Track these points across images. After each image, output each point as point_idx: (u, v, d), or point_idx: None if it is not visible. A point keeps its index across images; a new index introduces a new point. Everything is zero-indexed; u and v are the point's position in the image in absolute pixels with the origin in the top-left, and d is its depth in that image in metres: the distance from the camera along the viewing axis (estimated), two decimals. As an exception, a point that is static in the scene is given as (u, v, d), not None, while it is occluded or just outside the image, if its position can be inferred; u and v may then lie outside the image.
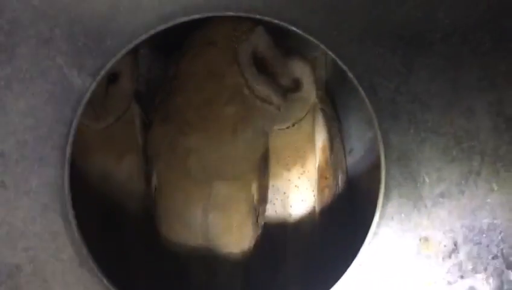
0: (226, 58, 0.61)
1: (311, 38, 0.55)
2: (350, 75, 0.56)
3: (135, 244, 0.71)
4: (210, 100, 0.61)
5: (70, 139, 0.50)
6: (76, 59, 0.50)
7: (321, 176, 0.78)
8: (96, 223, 0.63)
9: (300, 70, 0.75)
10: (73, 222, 0.50)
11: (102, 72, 0.50)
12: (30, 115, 0.50)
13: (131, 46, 0.50)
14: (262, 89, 0.62)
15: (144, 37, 0.50)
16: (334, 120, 0.81)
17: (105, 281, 0.50)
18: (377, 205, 0.57)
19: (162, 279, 0.71)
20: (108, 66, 0.50)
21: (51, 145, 0.50)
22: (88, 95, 0.49)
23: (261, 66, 0.64)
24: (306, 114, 0.76)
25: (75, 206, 0.50)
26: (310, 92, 0.76)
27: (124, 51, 0.50)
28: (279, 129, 0.76)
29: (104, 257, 0.52)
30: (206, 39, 0.62)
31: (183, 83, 0.62)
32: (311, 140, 0.77)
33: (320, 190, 0.79)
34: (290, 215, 0.80)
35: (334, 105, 0.84)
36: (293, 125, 0.76)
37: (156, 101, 0.70)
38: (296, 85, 0.76)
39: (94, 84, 0.50)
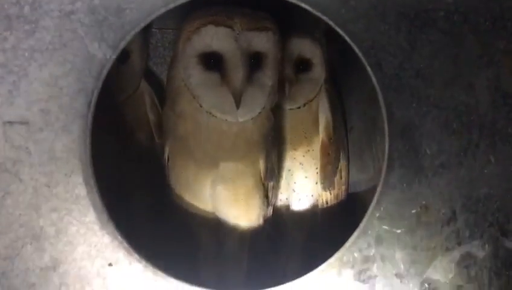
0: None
1: (319, 15, 0.57)
2: (357, 51, 0.58)
3: (150, 212, 0.73)
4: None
5: (92, 108, 0.52)
6: (97, 31, 0.52)
7: (323, 153, 0.80)
8: (116, 189, 0.66)
9: (311, 50, 0.77)
10: (95, 187, 0.52)
11: (122, 45, 0.52)
12: (53, 84, 0.52)
13: (150, 19, 0.52)
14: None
15: (162, 10, 0.52)
16: (336, 99, 0.83)
17: (125, 243, 0.53)
18: (381, 175, 0.59)
19: (175, 245, 0.73)
20: (128, 38, 0.52)
21: (73, 114, 0.52)
22: (109, 66, 0.51)
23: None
24: (316, 95, 0.78)
25: (96, 172, 0.52)
26: (320, 72, 0.78)
27: (142, 25, 0.52)
28: (290, 109, 0.78)
29: (123, 220, 0.54)
30: (204, 19, 0.61)
31: (174, 68, 0.63)
32: (318, 120, 0.79)
33: (323, 166, 0.81)
34: (294, 191, 0.82)
35: (336, 84, 0.86)
36: (304, 105, 0.78)
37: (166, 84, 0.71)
38: (307, 65, 0.77)
39: (114, 56, 0.52)
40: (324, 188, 0.82)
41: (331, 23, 0.57)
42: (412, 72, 0.59)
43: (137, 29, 0.52)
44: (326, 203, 0.83)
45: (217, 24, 0.57)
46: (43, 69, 0.52)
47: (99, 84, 0.51)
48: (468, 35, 0.60)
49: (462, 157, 0.60)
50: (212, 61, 0.59)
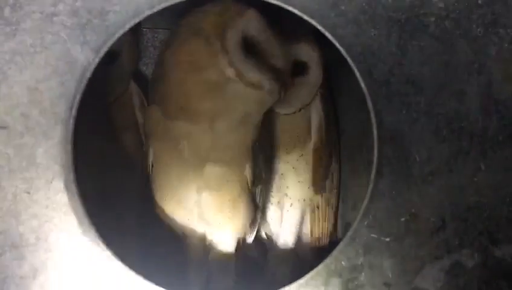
0: (209, 48, 0.59)
1: (309, 19, 0.56)
2: (346, 56, 0.57)
3: (133, 219, 0.72)
4: (188, 94, 0.60)
5: (74, 113, 0.50)
6: (79, 34, 0.51)
7: (315, 156, 0.80)
8: (97, 196, 0.65)
9: (308, 54, 0.75)
10: (77, 194, 0.51)
11: (105, 48, 0.50)
12: (34, 88, 0.51)
13: (134, 22, 0.51)
14: (254, 75, 0.61)
15: (147, 13, 0.51)
16: (330, 102, 0.82)
17: (108, 251, 0.52)
18: (370, 182, 0.58)
19: (159, 253, 0.72)
20: (111, 42, 0.51)
21: (54, 119, 0.51)
22: (91, 70, 0.50)
23: (253, 51, 0.63)
24: (312, 99, 0.77)
25: (79, 178, 0.51)
26: (316, 76, 0.77)
27: (127, 27, 0.50)
28: (285, 114, 0.77)
29: (106, 228, 0.53)
30: (193, 26, 0.61)
31: (166, 72, 0.62)
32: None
33: (315, 169, 0.80)
34: (286, 195, 0.81)
35: (329, 87, 0.85)
36: (299, 110, 0.77)
37: (150, 83, 0.70)
38: (303, 69, 0.76)
39: (97, 60, 0.50)
40: (316, 192, 0.81)
41: (319, 27, 0.56)
42: (402, 78, 0.58)
43: (121, 31, 0.51)
44: (317, 207, 0.83)
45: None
46: (24, 73, 0.50)
47: (82, 88, 0.50)
48: (460, 41, 0.59)
49: (452, 164, 0.59)
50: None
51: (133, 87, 0.80)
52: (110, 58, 0.72)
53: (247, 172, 0.68)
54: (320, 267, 0.58)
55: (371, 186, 0.58)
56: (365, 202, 0.58)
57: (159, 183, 0.68)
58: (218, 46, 0.59)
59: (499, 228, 0.60)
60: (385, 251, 0.59)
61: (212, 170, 0.64)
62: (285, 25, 0.68)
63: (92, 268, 0.53)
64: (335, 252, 0.58)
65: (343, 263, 0.58)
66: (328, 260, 0.58)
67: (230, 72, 0.59)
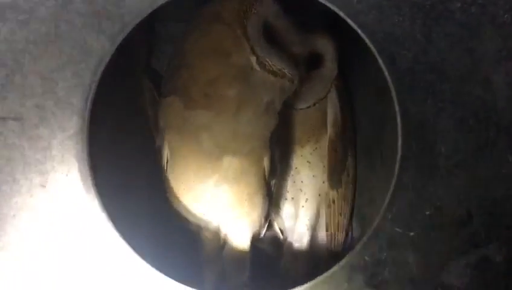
0: (233, 34, 0.60)
1: (329, 5, 0.54)
2: (369, 43, 0.55)
3: (149, 213, 0.71)
4: (214, 80, 0.60)
5: (89, 104, 0.49)
6: (95, 22, 0.49)
7: (331, 150, 0.78)
8: (115, 189, 0.63)
9: (323, 47, 0.74)
10: (93, 187, 0.49)
11: (121, 36, 0.49)
12: (49, 78, 0.49)
13: (150, 10, 0.49)
14: (274, 63, 0.62)
15: (162, 1, 0.49)
16: (346, 94, 0.81)
17: (125, 243, 0.51)
18: (393, 175, 0.57)
19: (172, 248, 0.71)
20: (127, 30, 0.49)
21: (70, 110, 0.49)
22: (107, 59, 0.49)
23: (272, 38, 0.64)
24: (327, 93, 0.76)
25: (94, 171, 0.50)
26: (331, 69, 0.75)
27: (144, 15, 0.49)
28: (299, 109, 0.76)
29: (123, 220, 0.52)
30: (213, 15, 0.61)
31: (189, 60, 0.62)
32: (327, 116, 0.77)
33: (330, 163, 0.79)
34: (301, 190, 0.80)
35: (345, 79, 0.84)
36: (314, 104, 0.76)
37: (165, 74, 0.69)
38: (319, 62, 0.75)
39: (113, 49, 0.49)
40: (331, 187, 0.80)
41: (341, 14, 0.55)
42: (426, 66, 0.57)
43: (138, 20, 0.49)
44: (333, 202, 0.81)
45: None
46: (38, 62, 0.49)
47: (97, 78, 0.49)
48: (487, 28, 0.57)
49: (478, 156, 0.57)
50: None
51: (145, 81, 0.78)
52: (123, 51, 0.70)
53: (265, 165, 0.67)
54: (343, 262, 0.56)
55: (394, 178, 0.57)
56: (388, 195, 0.57)
57: (175, 178, 0.67)
58: (240, 34, 0.59)
59: (527, 221, 0.58)
60: (409, 245, 0.57)
61: (231, 162, 0.64)
62: (301, 17, 0.68)
63: (110, 262, 0.51)
64: (358, 247, 0.56)
65: (366, 258, 0.56)
66: (350, 255, 0.56)
67: (252, 59, 0.60)
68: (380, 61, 0.55)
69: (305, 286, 0.56)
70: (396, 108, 0.56)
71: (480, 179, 0.58)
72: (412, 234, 0.57)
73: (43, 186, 0.49)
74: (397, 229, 0.57)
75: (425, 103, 0.57)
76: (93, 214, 0.51)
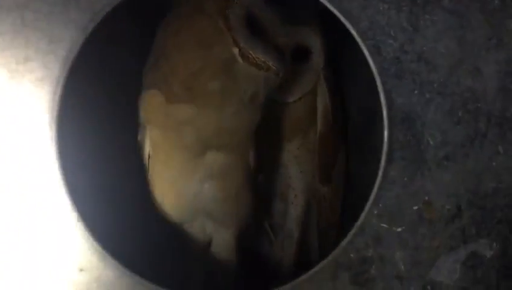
0: (214, 25, 0.58)
1: (312, -7, 0.52)
2: (353, 32, 0.53)
3: (130, 213, 0.69)
4: (195, 73, 0.58)
5: (58, 97, 0.47)
6: (63, 11, 0.47)
7: (321, 144, 0.76)
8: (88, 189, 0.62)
9: (310, 39, 0.72)
10: (64, 189, 0.47)
11: (91, 26, 0.47)
12: (14, 70, 0.47)
13: (122, -2, 0.47)
14: (258, 54, 0.59)
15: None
16: (335, 86, 0.79)
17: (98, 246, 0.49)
18: (379, 169, 0.55)
19: (156, 247, 0.69)
20: (97, 19, 0.47)
21: (38, 104, 0.47)
22: (76, 50, 0.47)
23: (257, 29, 0.62)
24: (314, 86, 0.74)
25: (66, 170, 0.47)
26: (318, 62, 0.73)
27: (116, 3, 0.47)
28: (285, 103, 0.74)
29: (96, 222, 0.50)
30: (193, 5, 0.59)
31: (170, 52, 0.60)
32: (314, 111, 0.75)
33: (321, 158, 0.77)
34: (289, 186, 0.78)
35: (335, 70, 0.82)
36: (300, 99, 0.74)
37: (145, 67, 0.67)
38: (305, 55, 0.73)
39: (83, 38, 0.47)
40: (322, 182, 0.78)
41: (324, 1, 0.52)
42: (413, 55, 0.55)
43: (109, 8, 0.47)
44: (324, 198, 0.79)
45: None
46: (4, 53, 0.47)
47: (66, 70, 0.46)
48: (476, 15, 0.55)
49: (468, 148, 0.56)
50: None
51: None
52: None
53: (251, 159, 0.66)
54: (327, 260, 0.54)
55: (380, 172, 0.55)
56: (374, 189, 0.55)
57: (158, 174, 0.65)
58: (222, 25, 0.57)
59: (519, 215, 0.56)
60: (397, 241, 0.55)
61: (216, 158, 0.62)
62: (289, 8, 0.66)
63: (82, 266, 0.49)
64: (343, 244, 0.54)
65: (352, 255, 0.55)
66: (335, 253, 0.54)
67: (235, 51, 0.57)
68: (365, 50, 0.54)
69: (290, 284, 0.55)
70: (382, 99, 0.54)
71: (470, 172, 0.56)
72: (399, 230, 0.55)
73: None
74: (384, 225, 0.55)
75: (412, 94, 0.55)
76: (65, 214, 0.49)
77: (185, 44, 0.59)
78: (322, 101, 0.75)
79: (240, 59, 0.58)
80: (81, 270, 0.49)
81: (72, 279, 0.49)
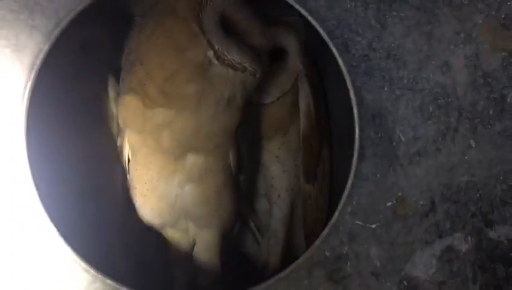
0: (188, 28, 0.57)
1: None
2: (321, 31, 0.53)
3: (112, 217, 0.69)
4: (171, 77, 0.57)
5: (25, 103, 0.47)
6: (28, 18, 0.47)
7: (305, 143, 0.76)
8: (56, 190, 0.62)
9: (286, 39, 0.72)
10: (34, 192, 0.47)
11: (56, 32, 0.47)
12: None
13: (85, 3, 0.47)
14: (233, 56, 0.59)
15: (98, -6, 0.47)
16: (317, 84, 0.79)
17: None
18: (351, 166, 0.55)
19: (139, 250, 0.69)
20: (62, 25, 0.47)
21: (4, 110, 0.47)
22: (42, 56, 0.47)
23: (231, 30, 0.61)
24: (291, 87, 0.73)
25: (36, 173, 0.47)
26: (294, 62, 0.73)
27: (78, 9, 0.47)
28: (265, 103, 0.73)
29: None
30: (166, 8, 0.59)
31: (145, 56, 0.59)
32: (294, 110, 0.75)
33: (305, 157, 0.77)
34: (272, 186, 0.78)
35: (317, 69, 0.82)
36: (278, 99, 0.74)
37: (122, 72, 0.67)
38: (281, 55, 0.72)
39: (48, 45, 0.47)
40: (307, 181, 0.78)
41: (291, 1, 0.53)
42: (382, 52, 0.55)
43: (73, 14, 0.47)
44: (310, 196, 0.79)
45: None
46: (-31, 62, 0.47)
47: (32, 76, 0.46)
48: (444, 10, 0.55)
49: (440, 143, 0.56)
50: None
51: (110, 79, 0.76)
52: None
53: (231, 160, 0.65)
54: (302, 258, 0.54)
55: (352, 170, 0.55)
56: (347, 187, 0.55)
57: (138, 178, 0.65)
58: (196, 27, 0.57)
59: (492, 208, 0.57)
60: (371, 238, 0.56)
61: (195, 161, 0.62)
62: (267, 9, 0.66)
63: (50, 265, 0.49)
64: (317, 242, 0.55)
65: (326, 253, 0.55)
66: (310, 251, 0.54)
67: (210, 54, 0.57)
68: (333, 48, 0.54)
69: (266, 283, 0.55)
70: (352, 96, 0.54)
71: (443, 166, 0.56)
72: (373, 226, 0.56)
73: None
74: (358, 222, 0.55)
75: (382, 91, 0.55)
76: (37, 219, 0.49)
77: (160, 48, 0.58)
78: (304, 100, 0.75)
79: (215, 61, 0.58)
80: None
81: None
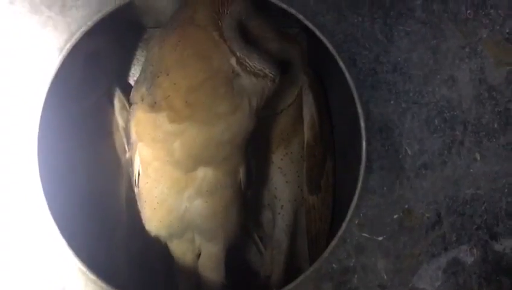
0: (210, 37, 0.57)
1: (286, 7, 0.53)
2: (329, 45, 0.54)
3: (118, 228, 0.69)
4: (198, 87, 0.57)
5: (39, 116, 0.47)
6: (41, 33, 0.47)
7: (309, 155, 0.77)
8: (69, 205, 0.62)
9: (290, 52, 0.72)
10: (45, 203, 0.48)
11: (69, 46, 0.47)
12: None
13: (98, 18, 0.48)
14: (254, 62, 0.59)
15: (110, 8, 0.48)
16: (322, 96, 0.79)
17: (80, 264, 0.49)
18: (358, 179, 0.55)
19: (144, 263, 0.69)
20: (75, 39, 0.47)
21: (20, 123, 0.47)
22: (54, 70, 0.47)
23: (248, 38, 0.61)
24: (295, 98, 0.74)
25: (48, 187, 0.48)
26: (298, 74, 0.73)
27: (90, 24, 0.47)
28: (267, 116, 0.73)
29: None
30: (186, 19, 0.59)
31: (170, 66, 0.58)
32: (297, 122, 0.75)
33: (309, 169, 0.77)
34: (275, 197, 0.78)
35: (321, 81, 0.82)
36: (281, 111, 0.74)
37: (137, 82, 0.66)
38: (285, 67, 0.71)
39: (61, 58, 0.47)
40: (310, 192, 0.78)
41: (299, 16, 0.53)
42: (389, 66, 0.55)
43: (85, 28, 0.48)
44: (313, 207, 0.79)
45: None
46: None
47: (46, 89, 0.47)
48: (449, 25, 0.56)
49: (445, 156, 0.56)
50: None
51: (115, 89, 0.76)
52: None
53: (241, 176, 0.65)
54: (310, 271, 0.54)
55: (360, 182, 0.55)
56: (354, 199, 0.55)
57: (147, 192, 0.64)
58: (217, 36, 0.57)
59: (497, 220, 0.57)
60: (378, 250, 0.56)
61: (205, 175, 0.61)
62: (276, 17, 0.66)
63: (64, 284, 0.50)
64: (325, 255, 0.55)
65: (334, 265, 0.55)
66: (317, 264, 0.54)
67: (232, 61, 0.57)
68: (340, 62, 0.54)
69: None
70: (359, 110, 0.55)
71: (449, 179, 0.57)
72: (380, 238, 0.56)
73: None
74: (365, 234, 0.55)
75: (388, 104, 0.56)
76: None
77: (186, 57, 0.57)
78: (309, 112, 0.75)
79: (238, 69, 0.57)
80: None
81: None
